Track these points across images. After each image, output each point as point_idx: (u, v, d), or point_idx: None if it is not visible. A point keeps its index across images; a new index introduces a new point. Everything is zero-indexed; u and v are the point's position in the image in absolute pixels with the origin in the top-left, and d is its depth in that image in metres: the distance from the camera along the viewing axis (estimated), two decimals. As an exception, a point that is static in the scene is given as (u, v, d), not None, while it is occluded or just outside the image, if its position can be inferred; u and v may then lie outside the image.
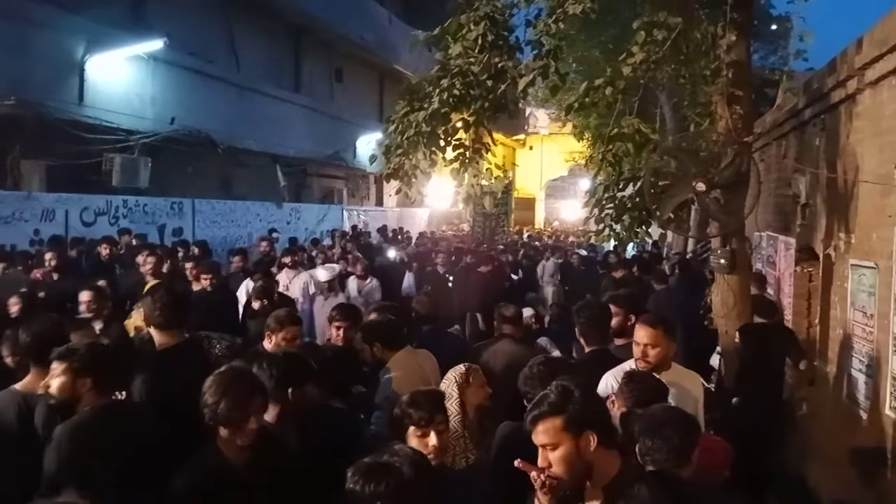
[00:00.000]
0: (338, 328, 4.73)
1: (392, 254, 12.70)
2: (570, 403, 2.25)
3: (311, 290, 8.26)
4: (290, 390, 3.21)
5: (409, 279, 10.52)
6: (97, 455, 2.86)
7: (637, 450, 2.65)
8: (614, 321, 4.58)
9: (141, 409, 3.35)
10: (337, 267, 8.69)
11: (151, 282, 6.61)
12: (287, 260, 8.84)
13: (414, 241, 17.25)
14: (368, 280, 9.02)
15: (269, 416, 3.07)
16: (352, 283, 8.87)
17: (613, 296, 4.98)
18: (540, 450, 2.25)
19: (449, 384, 3.40)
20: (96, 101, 11.58)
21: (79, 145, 10.98)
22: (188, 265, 7.58)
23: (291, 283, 8.21)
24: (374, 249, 13.92)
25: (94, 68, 11.51)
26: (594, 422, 2.25)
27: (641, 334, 3.73)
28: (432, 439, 2.78)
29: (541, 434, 2.24)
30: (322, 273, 8.25)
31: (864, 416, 4.73)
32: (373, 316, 5.04)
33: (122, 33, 12.00)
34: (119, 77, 12.11)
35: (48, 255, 7.75)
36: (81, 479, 2.71)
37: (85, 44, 11.35)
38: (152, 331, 3.86)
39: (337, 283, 8.19)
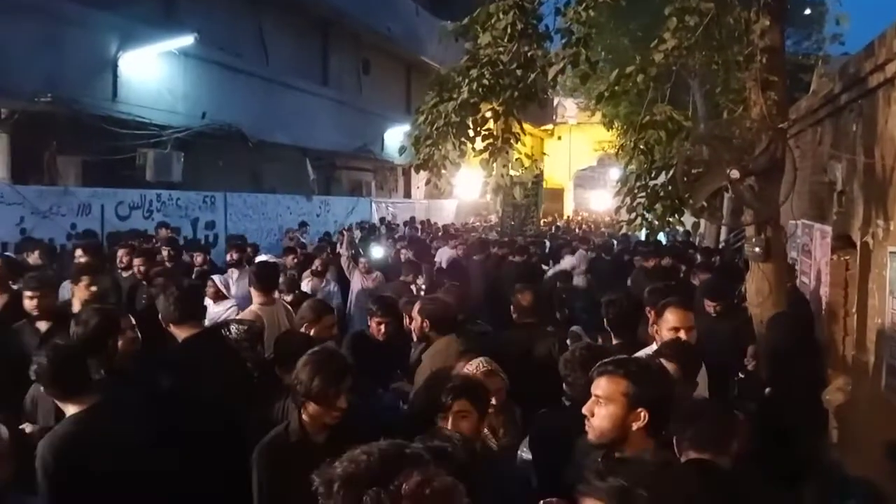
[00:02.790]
0: (378, 323, 4.70)
1: (381, 252, 10.33)
2: (643, 378, 2.31)
3: None
4: None
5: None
6: (80, 465, 2.84)
7: (675, 440, 2.63)
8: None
9: (126, 405, 3.25)
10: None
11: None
12: (230, 257, 7.91)
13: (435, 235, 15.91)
14: (325, 282, 7.93)
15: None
16: (305, 282, 7.56)
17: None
18: (593, 398, 2.33)
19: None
20: (129, 97, 11.78)
21: (113, 141, 11.21)
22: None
23: (237, 283, 7.02)
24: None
25: (126, 65, 11.70)
26: (652, 406, 2.29)
27: (674, 318, 3.71)
28: (464, 424, 2.83)
29: (601, 387, 2.32)
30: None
31: (904, 406, 4.66)
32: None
33: (154, 30, 12.19)
34: (151, 73, 12.29)
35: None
36: (72, 491, 2.76)
37: (118, 41, 11.54)
38: (172, 328, 3.90)
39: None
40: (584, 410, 2.32)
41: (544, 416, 3.26)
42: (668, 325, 3.75)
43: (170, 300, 3.83)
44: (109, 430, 2.96)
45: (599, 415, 2.29)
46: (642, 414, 2.26)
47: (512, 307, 5.06)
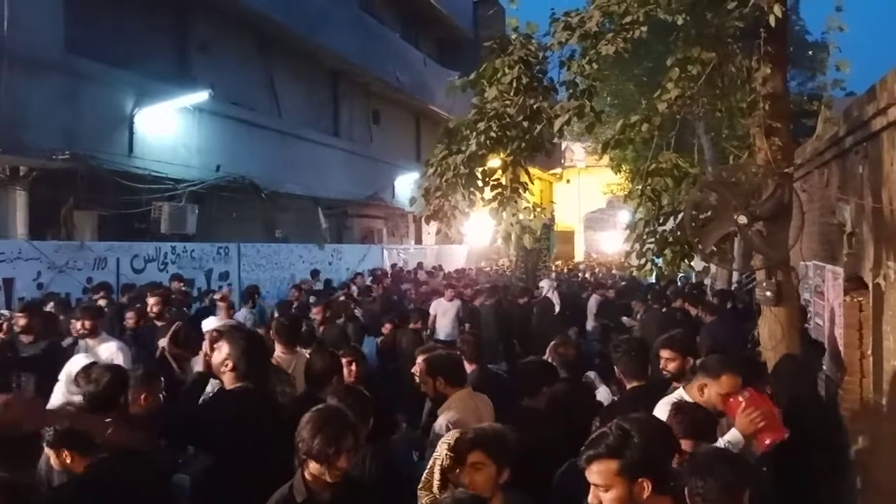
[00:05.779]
0: (349, 363, 4.72)
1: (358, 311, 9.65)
2: (627, 448, 2.25)
3: (121, 361, 5.51)
4: None
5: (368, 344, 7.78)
6: None
7: (686, 491, 2.61)
8: (672, 366, 4.44)
9: (135, 463, 3.32)
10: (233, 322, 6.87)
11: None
12: (80, 325, 5.91)
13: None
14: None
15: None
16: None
17: (667, 339, 4.74)
18: (592, 487, 2.28)
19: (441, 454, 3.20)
20: (145, 152, 12.03)
21: (129, 195, 11.41)
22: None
23: (95, 350, 5.71)
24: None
25: (142, 121, 11.98)
26: (650, 469, 2.25)
27: (732, 384, 3.61)
28: (478, 477, 2.81)
29: (594, 474, 2.26)
30: (214, 322, 6.49)
31: (924, 450, 4.59)
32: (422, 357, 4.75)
33: (169, 86, 12.51)
34: (167, 128, 12.56)
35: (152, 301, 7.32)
36: None
37: (134, 98, 11.85)
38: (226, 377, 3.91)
39: None
40: (591, 502, 2.27)
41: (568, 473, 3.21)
42: (723, 389, 3.61)
43: (239, 354, 3.87)
44: (114, 489, 3.06)
45: (607, 502, 2.24)
46: (645, 483, 2.22)
47: (553, 360, 5.05)
